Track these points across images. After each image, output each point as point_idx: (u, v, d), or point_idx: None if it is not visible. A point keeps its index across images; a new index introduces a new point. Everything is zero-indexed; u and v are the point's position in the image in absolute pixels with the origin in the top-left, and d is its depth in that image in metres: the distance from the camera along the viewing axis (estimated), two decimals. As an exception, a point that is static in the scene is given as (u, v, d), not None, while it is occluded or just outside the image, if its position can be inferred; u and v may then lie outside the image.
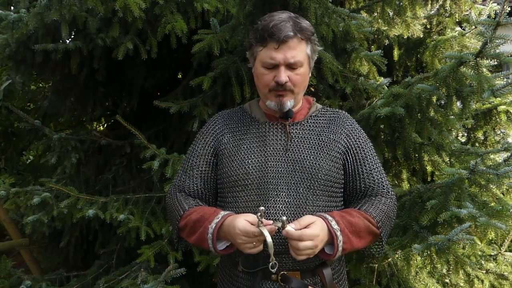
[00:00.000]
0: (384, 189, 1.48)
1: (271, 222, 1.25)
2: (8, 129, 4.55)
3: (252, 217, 1.27)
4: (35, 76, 3.74)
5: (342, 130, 1.48)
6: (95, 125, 4.32)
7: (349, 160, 1.46)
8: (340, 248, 1.28)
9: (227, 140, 1.48)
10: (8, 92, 3.90)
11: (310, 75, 1.49)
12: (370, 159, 1.49)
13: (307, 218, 1.27)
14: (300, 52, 1.37)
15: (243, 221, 1.26)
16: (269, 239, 1.20)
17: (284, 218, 1.22)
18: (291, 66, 1.36)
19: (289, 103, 1.40)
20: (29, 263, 3.44)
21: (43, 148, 3.39)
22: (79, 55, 2.58)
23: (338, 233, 1.27)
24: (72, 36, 2.71)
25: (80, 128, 4.16)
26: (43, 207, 2.61)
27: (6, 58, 2.67)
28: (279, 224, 1.23)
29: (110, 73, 2.90)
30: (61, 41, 2.53)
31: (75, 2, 2.34)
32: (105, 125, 4.19)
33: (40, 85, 4.52)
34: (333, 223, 1.28)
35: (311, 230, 1.23)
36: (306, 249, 1.22)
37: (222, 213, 1.35)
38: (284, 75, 1.35)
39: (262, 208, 1.21)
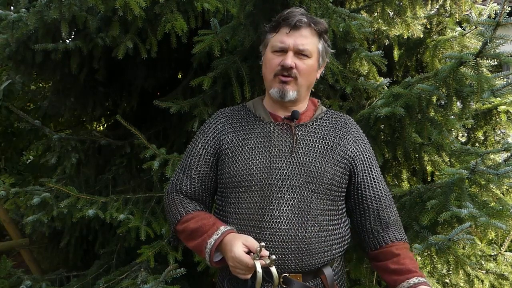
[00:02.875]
0: (389, 199, 1.50)
1: (267, 253, 1.24)
2: (8, 129, 4.54)
3: (251, 241, 1.27)
4: (35, 76, 3.74)
5: (349, 136, 1.47)
6: (95, 125, 4.31)
7: (357, 167, 1.45)
8: None
9: (230, 139, 1.44)
10: (8, 92, 3.88)
11: (318, 76, 1.46)
12: (375, 166, 1.51)
13: None
14: (311, 43, 1.36)
15: (240, 249, 1.25)
16: (259, 274, 1.21)
17: (274, 256, 1.22)
18: (299, 53, 1.35)
19: (291, 92, 1.37)
20: (29, 263, 3.44)
21: (43, 148, 3.39)
22: (79, 55, 2.58)
23: None
24: (72, 36, 2.71)
25: (80, 128, 4.16)
26: (43, 207, 2.60)
27: (6, 58, 2.66)
28: (268, 261, 1.22)
29: (110, 73, 2.90)
30: (61, 41, 2.52)
31: (75, 1, 2.34)
32: (105, 125, 4.19)
33: (40, 85, 4.52)
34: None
35: None
36: None
37: (222, 229, 1.33)
38: (291, 59, 1.34)
39: (262, 243, 1.21)
